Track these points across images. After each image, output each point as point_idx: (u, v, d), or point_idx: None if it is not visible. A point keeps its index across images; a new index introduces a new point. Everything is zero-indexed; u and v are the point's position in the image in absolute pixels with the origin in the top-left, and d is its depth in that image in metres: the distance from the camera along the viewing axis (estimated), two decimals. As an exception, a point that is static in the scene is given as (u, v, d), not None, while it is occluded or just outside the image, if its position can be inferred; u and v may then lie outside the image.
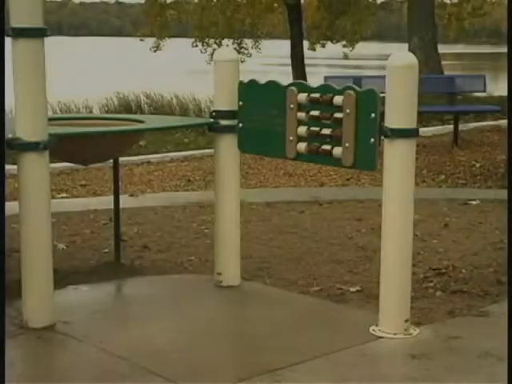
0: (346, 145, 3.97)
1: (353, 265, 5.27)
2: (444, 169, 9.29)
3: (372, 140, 3.89)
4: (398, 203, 3.91)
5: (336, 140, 4.03)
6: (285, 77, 18.29)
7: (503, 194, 7.25)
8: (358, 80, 11.09)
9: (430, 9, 18.55)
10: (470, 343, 3.85)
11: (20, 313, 4.08)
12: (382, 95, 3.85)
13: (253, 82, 4.52)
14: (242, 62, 18.00)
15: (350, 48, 24.35)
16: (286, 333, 3.99)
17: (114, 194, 5.34)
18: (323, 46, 24.56)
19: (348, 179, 8.67)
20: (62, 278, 4.84)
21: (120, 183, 5.61)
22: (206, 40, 21.96)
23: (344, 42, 24.22)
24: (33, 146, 3.89)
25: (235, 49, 19.40)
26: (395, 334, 3.94)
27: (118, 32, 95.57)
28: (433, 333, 4.00)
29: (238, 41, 22.34)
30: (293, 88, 4.22)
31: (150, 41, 22.83)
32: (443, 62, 19.58)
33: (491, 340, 3.86)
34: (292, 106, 4.20)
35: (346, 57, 25.22)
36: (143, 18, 23.42)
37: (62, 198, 7.75)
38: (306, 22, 24.27)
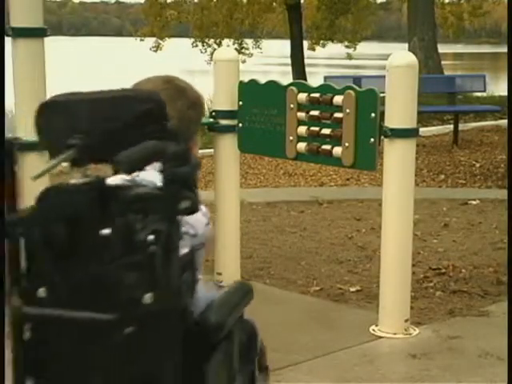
0: (346, 144, 3.97)
1: (353, 265, 5.27)
2: (444, 169, 9.29)
3: (372, 140, 3.89)
4: (397, 203, 3.91)
5: (336, 140, 4.03)
6: (285, 77, 18.30)
7: (503, 193, 7.25)
8: (357, 80, 11.08)
9: (430, 9, 18.54)
10: (470, 343, 3.85)
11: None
12: (382, 95, 3.85)
13: (253, 82, 4.52)
14: (243, 62, 18.00)
15: (353, 48, 24.35)
16: (286, 333, 3.99)
17: (113, 193, 5.32)
18: (323, 45, 24.56)
19: (348, 179, 8.67)
20: (62, 278, 4.83)
21: (120, 183, 5.60)
22: (206, 40, 21.96)
23: (346, 43, 24.23)
24: (33, 146, 3.89)
25: (236, 49, 19.40)
26: (395, 334, 3.94)
27: (118, 32, 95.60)
28: (433, 333, 4.00)
29: (239, 41, 22.34)
30: (293, 88, 4.22)
31: (150, 41, 22.82)
32: (443, 62, 19.57)
33: (491, 340, 3.86)
34: (292, 105, 4.20)
35: (349, 57, 25.17)
36: (143, 17, 23.42)
37: (62, 197, 7.75)
38: (306, 21, 24.27)
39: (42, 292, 1.71)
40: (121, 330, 1.67)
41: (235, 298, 2.15)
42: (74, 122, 1.81)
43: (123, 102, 1.84)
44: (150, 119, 1.80)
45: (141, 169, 1.73)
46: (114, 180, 1.75)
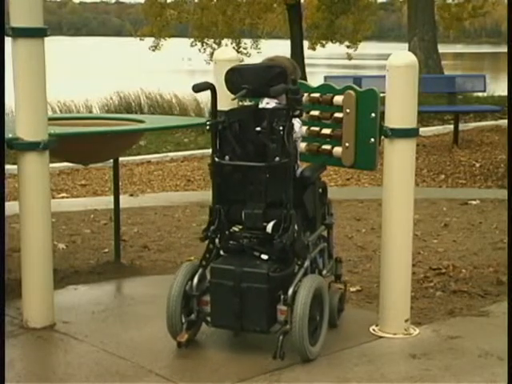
0: (346, 144, 3.97)
1: (353, 265, 5.27)
2: (444, 169, 9.29)
3: (372, 140, 3.89)
4: (398, 203, 3.91)
5: (336, 140, 4.03)
6: (285, 77, 18.24)
7: (503, 193, 7.27)
8: (357, 80, 11.09)
9: (430, 9, 18.55)
10: (470, 343, 3.85)
11: (20, 313, 4.08)
12: (382, 95, 3.85)
13: (253, 82, 4.51)
14: (241, 62, 17.99)
15: (354, 48, 24.35)
16: (286, 333, 3.97)
17: (113, 193, 5.34)
18: (323, 45, 24.56)
19: (348, 179, 8.67)
20: (62, 278, 4.84)
21: (120, 183, 5.61)
22: (206, 40, 21.97)
23: (347, 43, 24.23)
24: (33, 146, 3.89)
25: (234, 48, 19.40)
26: (395, 334, 3.94)
27: (118, 32, 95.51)
28: (433, 332, 4.00)
29: (237, 41, 22.34)
30: (293, 88, 4.22)
31: (150, 40, 22.83)
32: (443, 62, 19.59)
33: (491, 340, 3.86)
34: (292, 105, 4.20)
35: (349, 57, 25.17)
36: (143, 17, 23.43)
37: (62, 197, 7.76)
38: (306, 21, 24.27)
39: (227, 158, 3.65)
40: (265, 172, 3.60)
41: (315, 166, 3.94)
42: (244, 78, 3.67)
43: (267, 67, 3.70)
44: (279, 76, 3.60)
45: (278, 96, 3.67)
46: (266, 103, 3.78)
